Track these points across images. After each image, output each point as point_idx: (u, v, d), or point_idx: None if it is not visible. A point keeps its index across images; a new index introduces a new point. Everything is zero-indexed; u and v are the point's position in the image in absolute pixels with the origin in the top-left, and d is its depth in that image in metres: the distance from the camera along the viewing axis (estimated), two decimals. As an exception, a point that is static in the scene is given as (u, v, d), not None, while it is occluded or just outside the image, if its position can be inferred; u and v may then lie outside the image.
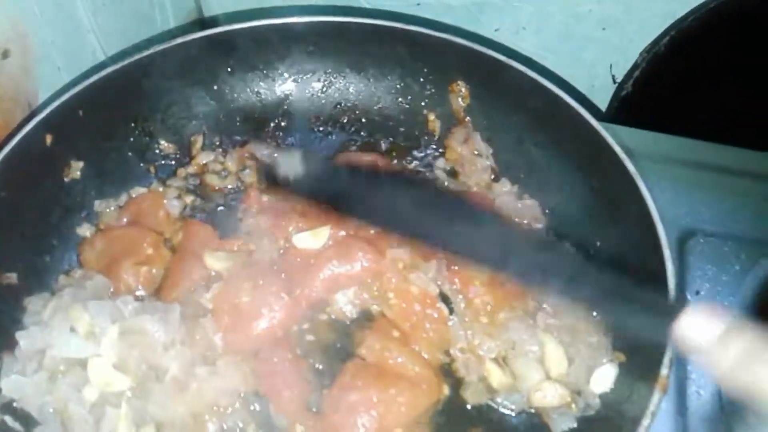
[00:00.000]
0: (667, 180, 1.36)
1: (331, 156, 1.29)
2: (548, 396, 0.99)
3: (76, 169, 1.18)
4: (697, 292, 1.25)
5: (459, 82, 1.28)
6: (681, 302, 1.13)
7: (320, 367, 1.05)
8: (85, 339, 0.98)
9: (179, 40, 1.22)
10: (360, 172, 1.11)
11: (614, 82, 1.67)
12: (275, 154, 1.13)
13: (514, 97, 1.22)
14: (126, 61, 1.19)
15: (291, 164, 1.10)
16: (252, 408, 1.01)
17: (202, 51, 1.25)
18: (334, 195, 1.00)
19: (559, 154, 1.20)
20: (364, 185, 1.04)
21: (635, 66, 1.59)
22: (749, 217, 1.35)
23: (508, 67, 1.19)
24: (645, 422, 0.85)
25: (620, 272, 1.05)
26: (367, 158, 1.25)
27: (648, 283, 0.98)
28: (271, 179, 1.10)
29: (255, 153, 1.30)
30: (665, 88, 1.57)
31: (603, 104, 1.69)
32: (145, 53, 1.20)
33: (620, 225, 1.10)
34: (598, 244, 1.13)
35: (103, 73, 1.18)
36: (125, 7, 1.42)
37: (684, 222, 1.34)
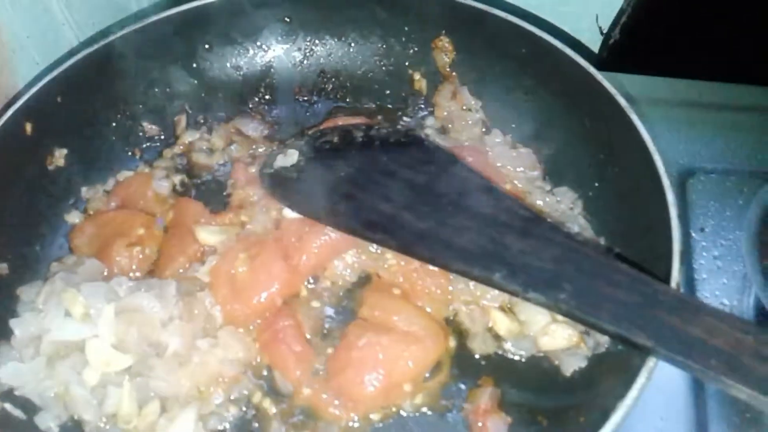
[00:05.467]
0: (662, 121, 1.35)
1: (318, 124, 1.26)
2: (556, 338, 0.97)
3: (59, 157, 1.16)
4: (702, 229, 1.23)
5: (442, 36, 1.26)
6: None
7: (324, 331, 1.03)
8: (81, 321, 0.96)
9: (153, 18, 1.20)
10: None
11: (601, 33, 1.64)
12: (276, 154, 1.12)
13: (498, 45, 1.19)
14: (101, 43, 1.17)
15: (289, 161, 1.10)
16: (257, 377, 0.99)
17: (177, 28, 1.23)
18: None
19: (549, 99, 1.17)
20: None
21: (621, 12, 1.57)
22: (747, 151, 1.34)
23: (490, 15, 1.17)
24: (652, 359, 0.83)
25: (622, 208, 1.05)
26: (354, 121, 1.22)
27: (650, 216, 0.97)
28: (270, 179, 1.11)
29: (241, 128, 1.28)
30: (654, 31, 1.54)
31: (591, 57, 1.66)
32: (120, 33, 1.18)
33: (617, 164, 1.08)
34: (597, 185, 1.11)
35: (78, 57, 1.16)
36: (99, -4, 1.40)
37: (682, 161, 1.32)
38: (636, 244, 1.01)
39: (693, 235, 1.22)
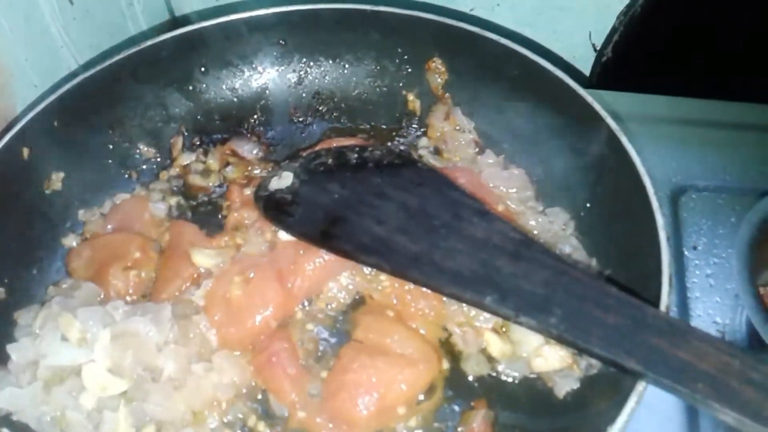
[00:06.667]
0: (654, 139, 1.36)
1: (313, 145, 1.27)
2: (549, 360, 0.98)
3: (57, 181, 1.17)
4: (695, 247, 1.24)
5: (435, 58, 1.27)
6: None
7: (319, 354, 1.04)
8: (78, 346, 0.97)
9: (149, 43, 1.22)
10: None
11: (594, 50, 1.66)
12: (271, 177, 1.13)
13: (491, 67, 1.21)
14: (97, 68, 1.19)
15: (284, 183, 1.11)
16: (252, 400, 1.00)
17: (173, 51, 1.25)
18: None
19: (541, 120, 1.18)
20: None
21: (614, 30, 1.58)
22: (740, 168, 1.35)
23: (483, 38, 1.19)
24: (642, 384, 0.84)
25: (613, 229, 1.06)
26: (349, 142, 1.23)
27: (641, 238, 0.97)
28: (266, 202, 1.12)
29: (236, 150, 1.29)
30: (646, 49, 1.56)
31: (585, 74, 1.68)
32: (115, 58, 1.20)
33: (608, 185, 1.09)
34: (588, 205, 1.12)
35: (75, 81, 1.17)
36: (97, 18, 1.42)
37: (675, 179, 1.33)
38: (627, 265, 1.02)
39: (686, 253, 1.23)
